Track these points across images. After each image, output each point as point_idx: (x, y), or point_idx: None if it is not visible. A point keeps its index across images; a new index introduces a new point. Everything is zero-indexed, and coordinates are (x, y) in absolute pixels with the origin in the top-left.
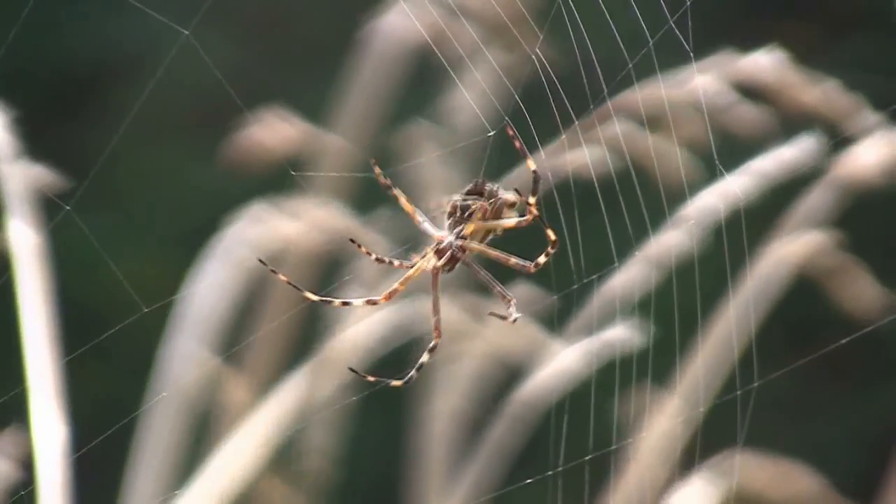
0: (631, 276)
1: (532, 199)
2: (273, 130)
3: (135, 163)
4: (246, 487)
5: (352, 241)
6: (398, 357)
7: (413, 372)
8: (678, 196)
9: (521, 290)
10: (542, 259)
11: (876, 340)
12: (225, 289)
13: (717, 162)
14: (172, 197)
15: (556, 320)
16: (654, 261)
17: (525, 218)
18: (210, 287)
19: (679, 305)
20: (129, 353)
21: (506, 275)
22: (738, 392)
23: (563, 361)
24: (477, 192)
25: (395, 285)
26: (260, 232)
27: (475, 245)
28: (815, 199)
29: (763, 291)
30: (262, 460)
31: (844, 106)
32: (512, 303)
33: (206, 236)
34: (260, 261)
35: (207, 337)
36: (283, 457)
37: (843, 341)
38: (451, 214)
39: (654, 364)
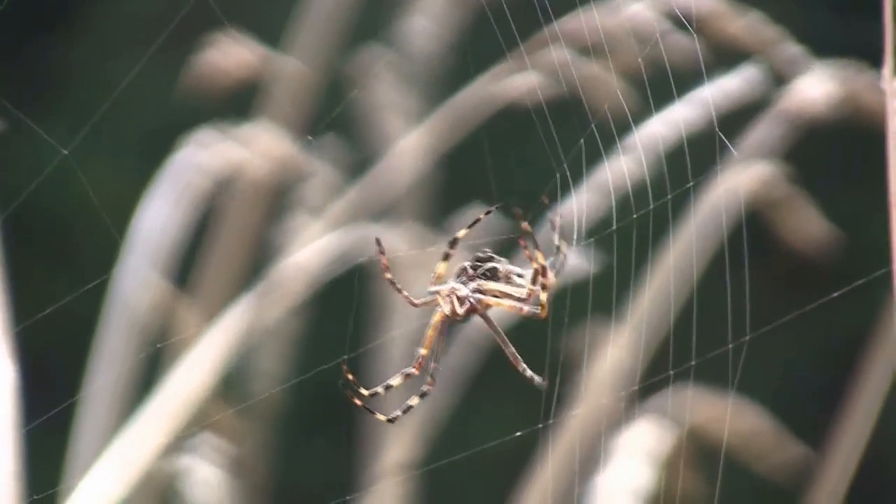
0: (580, 203)
1: (552, 276)
2: (229, 54)
3: (100, 79)
4: (195, 411)
5: (392, 283)
6: (343, 284)
7: (399, 412)
8: (624, 123)
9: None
10: (543, 297)
11: (833, 259)
12: (174, 213)
13: (683, 90)
14: (136, 113)
15: (506, 248)
16: (604, 188)
17: (532, 305)
18: (160, 211)
19: (628, 234)
20: (87, 268)
21: None
22: (730, 345)
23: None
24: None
25: (421, 351)
26: (208, 157)
27: (491, 299)
28: (763, 132)
29: (713, 221)
30: (212, 384)
31: (781, 38)
32: (526, 369)
33: (165, 154)
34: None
35: (158, 261)
36: (232, 381)
37: (835, 294)
38: (461, 273)
39: (603, 293)
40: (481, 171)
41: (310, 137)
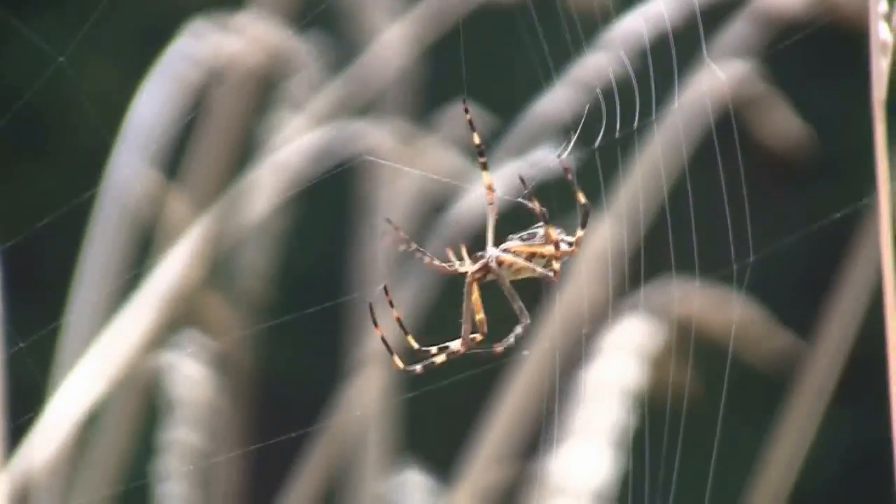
0: (559, 98)
1: (580, 233)
2: None
3: None
4: (183, 304)
5: (411, 246)
6: (332, 180)
7: (419, 367)
8: (602, 18)
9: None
10: (556, 266)
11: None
12: (167, 105)
13: None
14: (127, 6)
15: (487, 142)
16: (582, 83)
17: (566, 250)
18: (153, 103)
19: (606, 129)
20: (79, 160)
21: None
22: (734, 267)
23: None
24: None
25: (475, 334)
26: (201, 47)
27: (510, 258)
28: (738, 30)
29: (689, 121)
30: (199, 277)
31: None
32: (523, 324)
33: (156, 46)
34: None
35: (150, 152)
36: (219, 274)
37: (837, 215)
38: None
39: (583, 186)
40: (465, 65)
41: (305, 21)
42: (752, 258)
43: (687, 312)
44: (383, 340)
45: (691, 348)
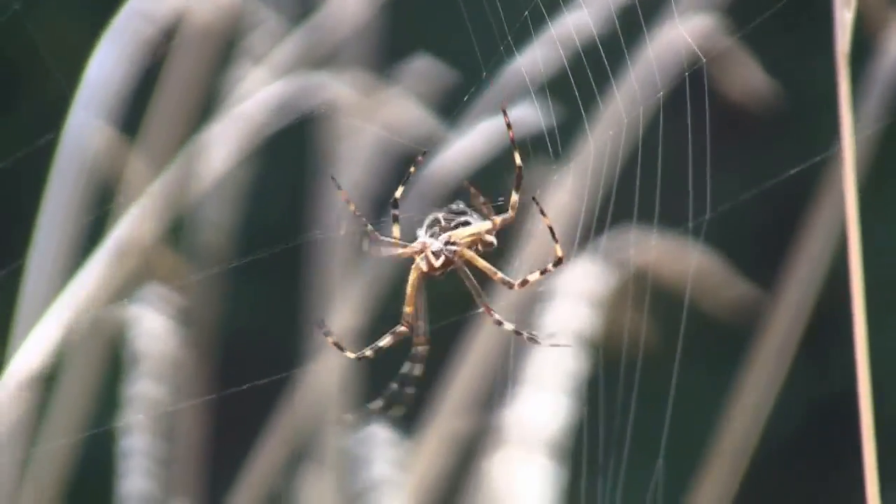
0: (534, 56)
1: (515, 196)
2: None
3: None
4: (141, 259)
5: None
6: (293, 133)
7: (368, 351)
8: None
9: (422, 65)
10: (531, 277)
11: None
12: (123, 62)
13: None
14: None
15: (460, 99)
16: (557, 41)
17: (504, 217)
18: (108, 60)
19: (579, 85)
20: (39, 116)
21: None
22: (690, 225)
23: (467, 140)
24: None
25: (406, 309)
26: (155, 5)
27: (467, 252)
28: None
29: (656, 73)
30: (158, 232)
31: None
32: (495, 316)
33: (111, 2)
34: None
35: (107, 109)
36: (181, 228)
37: (793, 171)
38: (433, 224)
39: (554, 142)
40: (426, 19)
41: None
42: (708, 215)
43: (645, 261)
44: (336, 345)
45: (648, 296)
